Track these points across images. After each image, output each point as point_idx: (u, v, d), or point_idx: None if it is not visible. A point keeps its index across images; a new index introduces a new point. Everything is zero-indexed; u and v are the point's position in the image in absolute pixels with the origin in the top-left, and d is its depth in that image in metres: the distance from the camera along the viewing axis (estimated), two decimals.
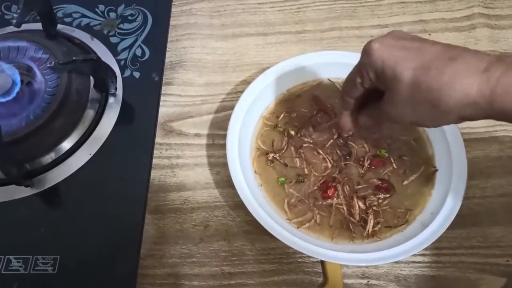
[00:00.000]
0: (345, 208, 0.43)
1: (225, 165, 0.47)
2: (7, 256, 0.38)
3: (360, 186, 0.44)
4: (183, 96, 0.54)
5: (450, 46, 0.32)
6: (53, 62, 0.39)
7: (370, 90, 0.36)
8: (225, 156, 0.44)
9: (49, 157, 0.42)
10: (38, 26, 0.48)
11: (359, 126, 0.41)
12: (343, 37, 0.58)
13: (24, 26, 0.43)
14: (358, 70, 0.35)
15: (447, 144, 0.45)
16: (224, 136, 0.47)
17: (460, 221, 0.44)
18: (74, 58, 0.39)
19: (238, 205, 0.46)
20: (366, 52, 0.34)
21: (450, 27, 0.57)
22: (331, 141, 0.47)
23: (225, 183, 0.48)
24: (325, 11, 0.60)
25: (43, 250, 0.39)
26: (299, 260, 0.44)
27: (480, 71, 0.30)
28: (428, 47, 0.32)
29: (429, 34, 0.57)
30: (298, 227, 0.42)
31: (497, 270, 0.43)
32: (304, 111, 0.49)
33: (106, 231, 0.40)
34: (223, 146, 0.46)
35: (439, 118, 0.33)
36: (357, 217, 0.43)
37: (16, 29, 0.42)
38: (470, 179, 0.43)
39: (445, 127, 0.45)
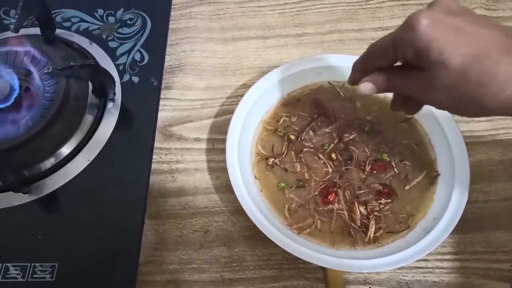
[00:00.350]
0: (346, 213, 0.43)
1: (225, 170, 0.46)
2: (4, 264, 0.38)
3: (361, 191, 0.44)
4: (182, 100, 0.53)
5: (509, 33, 0.29)
6: (50, 68, 0.39)
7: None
8: (225, 161, 0.44)
9: (48, 163, 0.42)
10: (36, 31, 0.48)
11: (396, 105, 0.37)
12: (343, 39, 0.57)
13: (23, 31, 0.42)
14: (394, 42, 0.31)
15: (449, 148, 0.44)
16: (223, 141, 0.47)
17: (463, 225, 0.43)
18: (72, 63, 0.39)
19: (238, 211, 0.46)
20: (411, 26, 0.29)
21: None
22: (332, 145, 0.46)
23: (225, 188, 0.47)
24: (325, 13, 0.60)
25: (41, 257, 0.38)
26: (300, 266, 0.43)
27: None
28: (484, 31, 0.29)
29: None
30: (298, 233, 0.42)
31: (501, 276, 0.42)
32: (305, 115, 0.49)
33: (104, 238, 0.40)
34: (223, 150, 0.45)
35: (478, 112, 0.30)
36: (358, 223, 0.42)
37: (14, 34, 0.42)
38: (473, 183, 0.43)
39: (447, 131, 0.45)
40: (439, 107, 0.33)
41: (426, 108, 0.45)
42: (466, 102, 0.30)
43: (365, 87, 0.35)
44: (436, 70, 0.29)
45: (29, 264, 0.38)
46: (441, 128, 0.45)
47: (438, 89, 0.30)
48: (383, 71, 0.35)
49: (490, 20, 0.31)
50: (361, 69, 0.36)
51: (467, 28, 0.29)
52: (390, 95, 0.48)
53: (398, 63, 0.35)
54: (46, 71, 0.40)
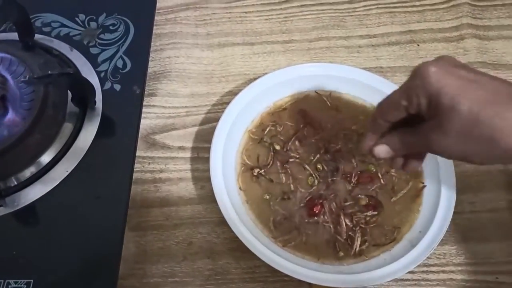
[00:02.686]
0: (331, 226, 0.42)
1: (209, 179, 0.45)
2: None
3: (347, 203, 0.43)
4: (167, 108, 0.52)
5: (508, 83, 0.31)
6: (27, 76, 0.37)
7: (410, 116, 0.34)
8: (209, 170, 0.43)
9: (24, 174, 0.41)
10: (14, 36, 0.46)
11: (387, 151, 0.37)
12: (331, 47, 0.57)
13: (0, 36, 0.41)
14: (406, 92, 0.32)
15: (435, 160, 0.44)
16: (208, 149, 0.46)
17: (449, 237, 0.43)
18: (49, 72, 0.37)
19: (223, 222, 0.44)
20: (421, 74, 0.31)
21: (439, 38, 0.57)
22: (318, 156, 0.46)
23: (210, 198, 0.46)
24: (312, 20, 0.59)
25: (15, 273, 0.37)
26: (286, 279, 0.43)
27: None
28: (488, 80, 0.31)
29: (418, 45, 0.56)
30: (283, 246, 0.41)
31: None
32: (291, 124, 0.48)
33: (83, 251, 0.38)
34: (208, 159, 0.44)
35: (492, 156, 0.31)
36: (344, 235, 0.42)
37: None
38: (459, 193, 0.43)
39: None
40: (449, 155, 0.33)
41: None
42: (480, 146, 0.30)
43: (381, 149, 0.36)
44: (447, 115, 0.30)
45: (2, 281, 0.36)
46: None
47: (450, 135, 0.31)
48: (394, 131, 0.36)
49: (489, 74, 0.32)
50: (374, 131, 0.37)
51: (473, 78, 0.31)
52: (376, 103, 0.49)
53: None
54: (22, 79, 0.38)
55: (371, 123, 0.37)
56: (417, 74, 0.31)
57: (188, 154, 0.50)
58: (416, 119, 0.33)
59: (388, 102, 0.35)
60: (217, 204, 0.42)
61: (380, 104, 0.36)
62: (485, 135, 0.29)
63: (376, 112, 0.36)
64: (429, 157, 0.44)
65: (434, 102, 0.31)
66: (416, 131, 0.34)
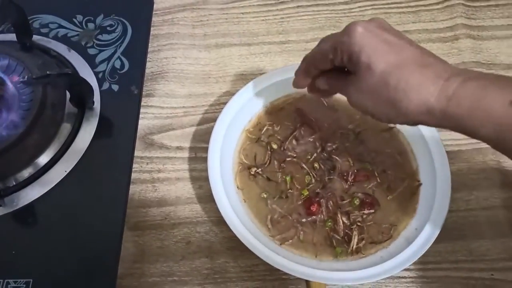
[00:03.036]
0: (329, 224, 0.42)
1: (207, 179, 0.45)
2: None
3: (344, 201, 0.44)
4: (164, 108, 0.53)
5: (425, 52, 0.34)
6: (26, 77, 0.38)
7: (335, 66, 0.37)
8: (207, 170, 0.43)
9: (23, 175, 0.41)
10: (12, 37, 0.46)
11: (313, 87, 0.41)
12: None
13: None
14: (333, 46, 0.35)
15: (431, 158, 0.44)
16: (206, 149, 0.46)
17: (445, 235, 0.44)
18: (48, 72, 0.38)
19: (221, 221, 0.45)
20: (348, 33, 0.34)
21: (434, 38, 0.57)
22: (315, 155, 0.46)
23: (208, 197, 0.47)
24: (308, 21, 0.59)
25: (14, 273, 0.37)
26: (283, 277, 0.43)
27: (441, 81, 0.31)
28: (406, 46, 0.33)
29: None
30: (281, 244, 0.42)
31: (482, 285, 0.43)
32: (288, 124, 0.48)
33: (81, 252, 0.39)
34: (206, 159, 0.45)
35: (394, 117, 0.34)
36: (341, 233, 0.42)
37: None
38: (454, 191, 0.43)
39: (429, 140, 0.45)
40: (363, 110, 0.36)
41: None
42: (387, 106, 0.33)
43: (297, 84, 0.41)
44: (363, 73, 0.33)
45: (1, 280, 0.37)
46: (423, 137, 0.45)
47: (363, 91, 0.34)
48: (325, 74, 0.39)
49: (412, 40, 0.35)
50: (305, 72, 0.40)
51: (394, 42, 0.33)
52: None
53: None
54: (21, 80, 0.39)
55: (303, 66, 0.40)
56: (345, 32, 0.34)
57: (186, 154, 0.50)
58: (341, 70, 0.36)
59: (318, 51, 0.38)
60: (215, 204, 0.42)
61: (312, 52, 0.39)
62: (391, 97, 0.32)
63: (307, 57, 0.39)
64: (425, 156, 0.45)
65: (354, 59, 0.34)
66: (341, 79, 0.37)
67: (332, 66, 0.37)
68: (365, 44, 0.33)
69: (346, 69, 0.36)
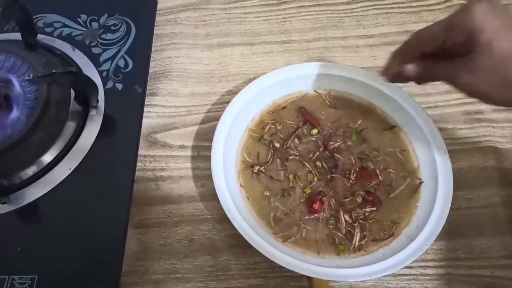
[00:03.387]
0: (331, 221, 0.43)
1: (210, 177, 0.46)
2: None
3: (346, 199, 0.44)
4: (167, 107, 0.53)
5: None
6: (31, 75, 0.38)
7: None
8: (210, 168, 0.44)
9: (28, 172, 0.41)
10: (17, 36, 0.47)
11: (406, 73, 0.37)
12: (329, 47, 0.58)
13: (2, 36, 0.41)
14: (447, 25, 0.33)
15: (432, 156, 0.45)
16: (209, 148, 0.46)
17: (446, 232, 0.44)
18: (53, 70, 0.38)
19: (224, 219, 0.45)
20: (468, 9, 0.32)
21: None
22: (317, 153, 0.46)
23: (211, 196, 0.47)
24: (310, 21, 0.60)
25: (20, 269, 0.37)
26: (286, 274, 0.43)
27: None
28: None
29: None
30: (283, 241, 0.42)
31: (482, 282, 0.43)
32: (290, 122, 0.49)
33: (86, 249, 0.39)
34: (209, 158, 0.45)
35: (510, 99, 0.32)
36: (344, 231, 0.42)
37: None
38: (455, 190, 0.43)
39: (430, 138, 0.45)
40: (475, 93, 0.34)
41: (410, 116, 0.46)
42: (503, 87, 0.31)
43: (410, 68, 0.37)
44: (482, 52, 0.31)
45: (7, 277, 0.37)
46: (425, 136, 0.46)
47: (478, 72, 0.32)
48: (423, 60, 0.36)
49: None
50: (402, 58, 0.37)
51: None
52: (374, 102, 0.49)
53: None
54: (26, 78, 0.39)
55: (402, 49, 0.37)
56: (464, 9, 0.32)
57: (188, 153, 0.50)
58: (441, 54, 0.34)
59: (427, 32, 0.35)
60: (218, 202, 0.42)
61: (419, 34, 0.36)
62: (510, 79, 0.30)
63: (411, 40, 0.36)
64: (426, 154, 0.45)
65: (472, 38, 0.31)
66: (445, 63, 0.34)
67: (439, 47, 0.34)
68: (486, 22, 0.31)
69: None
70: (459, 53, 0.33)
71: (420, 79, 0.38)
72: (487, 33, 0.31)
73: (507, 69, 0.30)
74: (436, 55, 0.35)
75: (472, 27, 0.31)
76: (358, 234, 0.42)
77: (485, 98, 0.34)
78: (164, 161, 0.50)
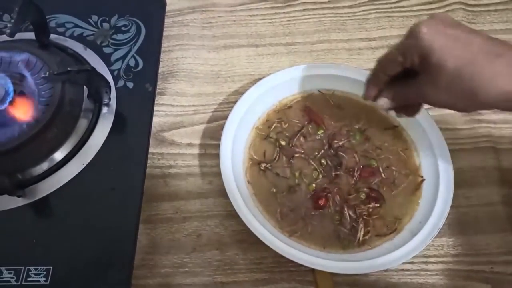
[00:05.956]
0: (336, 217, 0.44)
1: (217, 174, 0.47)
2: None
3: (350, 196, 0.45)
4: (175, 106, 0.54)
5: (491, 40, 0.34)
6: (47, 73, 0.39)
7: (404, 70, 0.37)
8: (217, 165, 0.45)
9: (42, 167, 0.42)
10: (31, 35, 0.48)
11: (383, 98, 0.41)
12: (332, 49, 0.59)
13: (17, 35, 0.42)
14: (401, 50, 0.36)
15: (434, 155, 0.46)
16: (216, 146, 0.47)
17: (447, 229, 0.45)
18: (69, 68, 0.39)
19: (231, 215, 0.46)
20: (414, 34, 0.34)
21: None
22: (322, 151, 0.48)
23: (218, 192, 0.48)
24: (314, 24, 0.61)
25: (35, 260, 0.38)
26: (291, 269, 0.44)
27: None
28: (473, 38, 0.34)
29: None
30: (290, 236, 0.43)
31: (482, 277, 0.44)
32: (296, 121, 0.50)
33: (99, 242, 0.40)
34: (216, 155, 0.46)
35: (472, 106, 0.35)
36: (348, 226, 0.43)
37: (8, 38, 0.42)
38: (455, 188, 0.44)
39: (432, 138, 0.47)
40: (439, 105, 0.37)
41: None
42: (462, 98, 0.34)
43: (383, 101, 0.41)
44: (435, 71, 0.34)
45: (23, 268, 0.38)
46: (426, 135, 0.47)
47: (437, 88, 0.35)
48: (391, 85, 0.40)
49: (480, 31, 0.35)
50: (374, 83, 0.41)
51: (461, 36, 0.34)
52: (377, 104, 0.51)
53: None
54: (42, 75, 0.40)
55: (372, 76, 0.41)
56: (411, 34, 0.35)
57: (196, 151, 0.51)
58: (411, 73, 0.37)
59: (387, 58, 0.38)
60: (225, 198, 0.43)
61: (380, 59, 0.39)
62: (467, 89, 0.33)
63: (376, 66, 0.40)
64: (428, 153, 0.47)
65: (424, 59, 0.34)
66: (411, 84, 0.37)
67: (401, 69, 0.37)
68: (432, 44, 0.33)
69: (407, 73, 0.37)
70: (421, 71, 0.36)
71: (397, 107, 0.42)
72: (436, 54, 0.33)
73: (461, 82, 0.33)
74: (407, 75, 0.38)
75: (421, 49, 0.34)
76: (362, 230, 0.43)
77: (451, 108, 0.37)
78: (172, 158, 0.51)
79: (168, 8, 0.59)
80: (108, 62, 0.49)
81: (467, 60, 0.33)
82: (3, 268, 0.38)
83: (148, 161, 0.49)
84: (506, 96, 0.32)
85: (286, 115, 0.50)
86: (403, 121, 0.49)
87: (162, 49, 0.55)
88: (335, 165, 0.47)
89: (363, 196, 0.45)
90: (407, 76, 0.38)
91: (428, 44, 0.33)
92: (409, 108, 0.42)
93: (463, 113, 0.51)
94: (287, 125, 0.50)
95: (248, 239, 0.45)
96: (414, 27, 0.35)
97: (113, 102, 0.47)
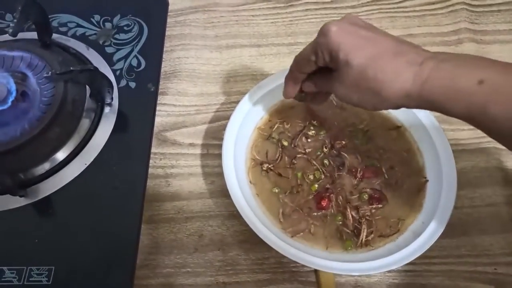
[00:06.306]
0: (338, 218, 0.44)
1: (219, 174, 0.47)
2: (0, 267, 0.38)
3: (353, 197, 0.45)
4: (177, 106, 0.54)
5: (398, 41, 0.36)
6: (50, 72, 0.39)
7: (320, 67, 0.39)
8: (219, 166, 0.45)
9: (44, 167, 0.42)
10: (33, 35, 0.48)
11: (302, 91, 0.43)
12: None
13: (19, 35, 0.42)
14: (314, 49, 0.37)
15: (437, 155, 0.46)
16: (218, 146, 0.47)
17: (450, 230, 0.45)
18: (71, 68, 0.39)
19: (233, 215, 0.46)
20: (324, 33, 0.36)
21: (438, 41, 0.59)
22: (325, 152, 0.48)
23: (220, 192, 0.48)
24: (316, 24, 0.61)
25: (37, 260, 0.38)
26: (293, 269, 0.44)
27: (416, 66, 0.33)
28: (380, 39, 0.35)
29: None
30: (292, 236, 0.43)
31: (485, 278, 0.44)
32: (298, 122, 0.50)
33: (101, 242, 0.40)
34: (218, 156, 0.46)
35: (378, 103, 0.36)
36: (351, 227, 0.43)
37: (10, 37, 0.42)
38: (458, 189, 0.44)
39: (435, 139, 0.46)
40: (350, 102, 0.38)
41: (416, 117, 0.48)
42: (369, 95, 0.35)
43: (287, 94, 0.44)
44: (343, 69, 0.36)
45: (25, 268, 0.38)
46: (429, 136, 0.47)
47: (346, 85, 0.36)
48: (309, 78, 0.42)
49: (386, 32, 0.37)
50: (292, 80, 0.43)
51: (368, 36, 0.35)
52: None
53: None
54: (45, 75, 0.40)
55: (290, 74, 0.43)
56: (321, 33, 0.36)
57: (198, 151, 0.51)
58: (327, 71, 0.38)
59: (301, 57, 0.40)
60: (227, 199, 0.43)
61: (296, 59, 0.41)
62: (371, 87, 0.35)
63: (292, 66, 0.42)
64: (431, 153, 0.47)
65: (334, 57, 0.36)
66: (325, 78, 0.39)
67: (316, 67, 0.39)
68: (341, 42, 0.35)
69: (327, 68, 0.38)
70: (333, 68, 0.37)
71: (316, 98, 0.45)
72: (343, 52, 0.35)
73: (366, 79, 0.34)
74: (323, 72, 0.39)
75: (331, 47, 0.35)
76: (365, 230, 0.43)
77: (361, 105, 0.38)
78: (174, 158, 0.51)
79: (170, 7, 0.59)
80: (110, 62, 0.49)
81: (371, 58, 0.34)
82: (5, 268, 0.38)
83: (150, 161, 0.49)
84: (404, 90, 0.33)
85: (289, 115, 0.50)
86: (406, 122, 0.49)
87: (164, 48, 0.56)
88: (337, 165, 0.47)
89: (366, 196, 0.45)
90: (326, 71, 0.39)
91: (336, 42, 0.35)
92: (317, 97, 0.46)
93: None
94: (289, 125, 0.50)
95: (250, 240, 0.45)
96: (324, 26, 0.36)
97: (115, 102, 0.47)
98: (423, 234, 0.41)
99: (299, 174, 0.46)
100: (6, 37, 0.43)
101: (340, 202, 0.45)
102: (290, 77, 0.43)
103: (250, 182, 0.46)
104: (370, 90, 0.35)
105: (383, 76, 0.34)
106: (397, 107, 0.36)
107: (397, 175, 0.47)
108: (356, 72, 0.35)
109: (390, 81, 0.34)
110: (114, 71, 0.49)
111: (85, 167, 0.43)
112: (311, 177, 0.46)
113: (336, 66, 0.36)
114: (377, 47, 0.34)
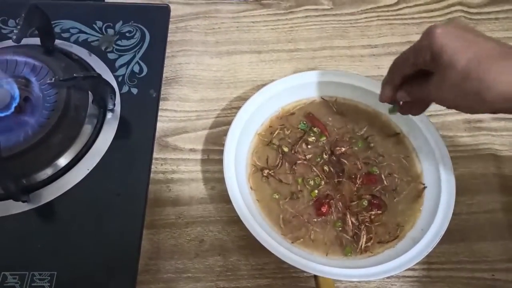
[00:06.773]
0: (338, 224, 0.44)
1: (220, 180, 0.47)
2: (3, 272, 0.38)
3: (353, 203, 0.45)
4: (178, 112, 0.55)
5: (503, 45, 0.36)
6: (53, 79, 0.39)
7: (417, 71, 0.39)
8: (220, 171, 0.45)
9: (47, 172, 0.42)
10: (36, 41, 0.48)
11: (396, 98, 0.43)
12: (334, 56, 0.60)
13: (22, 41, 0.42)
14: (415, 50, 0.38)
15: (436, 162, 0.46)
16: (219, 152, 0.48)
17: (448, 236, 0.45)
18: (75, 75, 0.39)
19: (233, 220, 0.47)
20: (428, 35, 0.36)
21: None
22: (325, 158, 0.48)
23: (220, 198, 0.48)
24: (316, 30, 0.62)
25: (39, 266, 0.38)
26: (293, 275, 0.45)
27: None
28: (485, 42, 0.35)
29: None
30: (292, 242, 0.43)
31: (483, 285, 0.45)
32: (298, 128, 0.50)
33: (103, 247, 0.40)
34: (218, 161, 0.46)
35: (477, 106, 0.35)
36: (350, 233, 0.44)
37: (13, 43, 0.42)
38: (457, 195, 0.45)
39: (433, 145, 0.47)
40: (446, 104, 0.38)
41: (414, 123, 0.48)
42: (468, 97, 0.35)
43: (384, 97, 0.44)
44: (445, 71, 0.35)
45: (27, 273, 0.38)
46: (428, 142, 0.47)
47: (446, 87, 0.36)
48: (405, 85, 0.42)
49: (490, 37, 0.37)
50: (389, 83, 0.43)
51: (473, 39, 0.35)
52: (379, 110, 0.51)
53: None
54: (48, 81, 0.40)
55: (387, 77, 0.43)
56: (426, 35, 0.36)
57: (198, 156, 0.52)
58: (425, 74, 0.38)
59: (401, 58, 0.40)
60: (227, 204, 0.43)
61: (394, 61, 0.41)
62: (474, 89, 0.34)
63: (391, 67, 0.42)
64: (429, 160, 0.47)
65: (436, 59, 0.36)
66: (422, 83, 0.39)
67: (413, 70, 0.39)
68: (444, 44, 0.35)
69: (421, 74, 0.38)
70: (431, 71, 0.37)
71: (404, 106, 0.45)
72: (447, 53, 0.35)
73: (467, 83, 0.34)
74: (417, 78, 0.39)
75: (434, 48, 0.35)
76: (365, 236, 0.43)
77: (457, 108, 0.38)
78: (175, 164, 0.51)
79: (172, 13, 0.60)
80: (112, 68, 0.50)
81: (476, 60, 0.34)
82: (7, 273, 0.38)
83: (152, 166, 0.49)
84: (507, 96, 0.33)
85: (289, 122, 0.51)
86: (405, 128, 0.50)
87: (166, 54, 0.56)
88: (337, 171, 0.47)
89: (365, 203, 0.45)
90: (421, 77, 0.39)
91: (440, 43, 0.35)
92: (415, 107, 0.44)
93: (467, 115, 0.52)
94: (289, 131, 0.50)
95: (251, 245, 0.45)
96: (429, 28, 0.36)
97: (118, 108, 0.47)
98: (421, 241, 0.41)
99: (299, 180, 0.47)
100: (9, 42, 0.43)
101: (339, 208, 0.45)
102: (387, 79, 0.43)
103: (251, 188, 0.46)
104: (472, 92, 0.34)
105: (488, 78, 0.33)
106: (495, 111, 0.35)
107: (396, 182, 0.47)
108: (459, 73, 0.34)
109: (496, 84, 0.33)
110: (116, 77, 0.49)
111: (87, 172, 0.43)
112: (311, 183, 0.47)
113: (436, 68, 0.36)
114: (481, 49, 0.34)
